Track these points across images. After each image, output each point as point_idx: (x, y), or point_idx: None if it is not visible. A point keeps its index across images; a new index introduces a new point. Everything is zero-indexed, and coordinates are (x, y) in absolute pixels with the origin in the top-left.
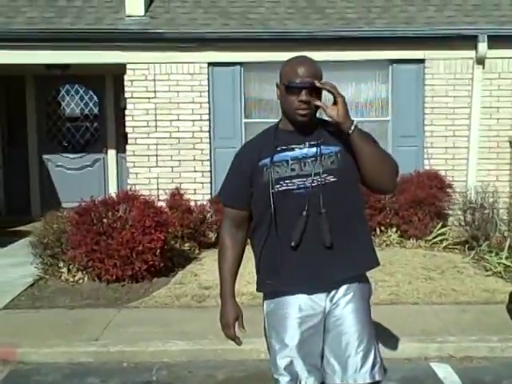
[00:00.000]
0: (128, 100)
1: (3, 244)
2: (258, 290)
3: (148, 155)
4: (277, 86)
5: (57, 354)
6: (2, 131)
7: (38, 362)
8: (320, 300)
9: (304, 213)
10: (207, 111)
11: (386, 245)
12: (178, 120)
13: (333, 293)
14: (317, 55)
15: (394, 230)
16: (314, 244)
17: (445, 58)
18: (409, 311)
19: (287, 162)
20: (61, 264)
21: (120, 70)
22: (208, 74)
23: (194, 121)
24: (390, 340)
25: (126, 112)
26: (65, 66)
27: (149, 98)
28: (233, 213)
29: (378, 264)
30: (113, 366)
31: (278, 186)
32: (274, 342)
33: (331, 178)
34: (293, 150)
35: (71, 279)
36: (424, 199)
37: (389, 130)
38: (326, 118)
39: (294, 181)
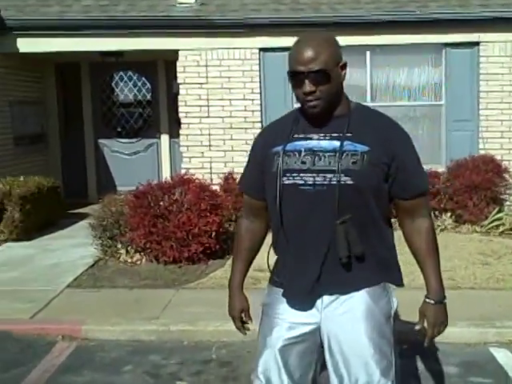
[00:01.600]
0: (180, 86)
1: (64, 226)
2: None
3: (201, 140)
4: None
5: (119, 331)
6: (60, 117)
7: (101, 339)
8: (316, 311)
9: (338, 221)
10: (258, 96)
11: (441, 230)
12: (230, 105)
13: (332, 304)
14: (368, 39)
15: (449, 214)
16: (316, 252)
17: (500, 41)
18: (466, 296)
19: (300, 152)
20: (119, 245)
21: (172, 56)
22: (259, 59)
23: (245, 105)
24: (449, 324)
25: (179, 98)
26: (119, 53)
27: (201, 84)
28: (249, 201)
29: (398, 284)
30: (173, 344)
31: (284, 179)
32: (260, 338)
33: (347, 180)
34: (309, 139)
35: (129, 260)
36: (479, 184)
37: (442, 115)
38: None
39: (302, 175)
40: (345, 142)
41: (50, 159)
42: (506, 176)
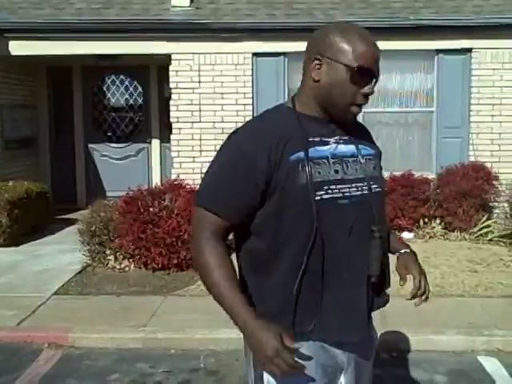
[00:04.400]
0: (173, 90)
1: (52, 231)
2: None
3: (192, 145)
4: (317, 59)
5: (106, 339)
6: (50, 121)
7: (88, 347)
8: (340, 352)
9: (377, 234)
10: (251, 101)
11: (430, 237)
12: (222, 110)
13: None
14: None
15: (438, 221)
16: (358, 277)
17: (492, 48)
18: (455, 304)
19: (327, 159)
20: (108, 252)
21: (164, 60)
22: (252, 64)
23: (237, 111)
24: (436, 332)
25: (171, 102)
26: (111, 57)
27: (193, 89)
28: (218, 223)
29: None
30: (161, 352)
31: (321, 193)
32: None
33: (376, 188)
34: (326, 143)
35: (118, 267)
36: (469, 191)
37: (433, 121)
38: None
39: (339, 187)
40: (359, 145)
41: (40, 164)
42: (496, 183)
